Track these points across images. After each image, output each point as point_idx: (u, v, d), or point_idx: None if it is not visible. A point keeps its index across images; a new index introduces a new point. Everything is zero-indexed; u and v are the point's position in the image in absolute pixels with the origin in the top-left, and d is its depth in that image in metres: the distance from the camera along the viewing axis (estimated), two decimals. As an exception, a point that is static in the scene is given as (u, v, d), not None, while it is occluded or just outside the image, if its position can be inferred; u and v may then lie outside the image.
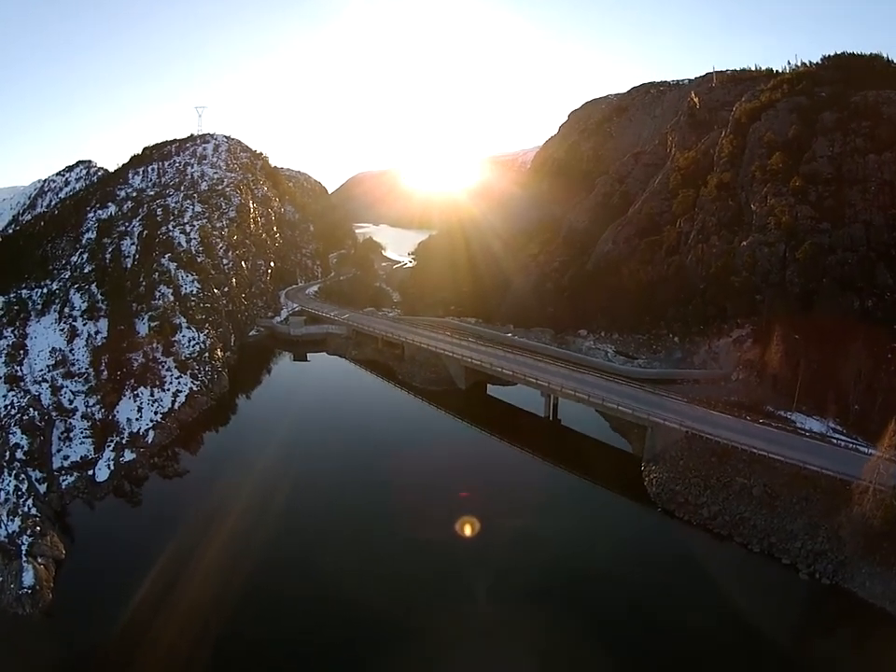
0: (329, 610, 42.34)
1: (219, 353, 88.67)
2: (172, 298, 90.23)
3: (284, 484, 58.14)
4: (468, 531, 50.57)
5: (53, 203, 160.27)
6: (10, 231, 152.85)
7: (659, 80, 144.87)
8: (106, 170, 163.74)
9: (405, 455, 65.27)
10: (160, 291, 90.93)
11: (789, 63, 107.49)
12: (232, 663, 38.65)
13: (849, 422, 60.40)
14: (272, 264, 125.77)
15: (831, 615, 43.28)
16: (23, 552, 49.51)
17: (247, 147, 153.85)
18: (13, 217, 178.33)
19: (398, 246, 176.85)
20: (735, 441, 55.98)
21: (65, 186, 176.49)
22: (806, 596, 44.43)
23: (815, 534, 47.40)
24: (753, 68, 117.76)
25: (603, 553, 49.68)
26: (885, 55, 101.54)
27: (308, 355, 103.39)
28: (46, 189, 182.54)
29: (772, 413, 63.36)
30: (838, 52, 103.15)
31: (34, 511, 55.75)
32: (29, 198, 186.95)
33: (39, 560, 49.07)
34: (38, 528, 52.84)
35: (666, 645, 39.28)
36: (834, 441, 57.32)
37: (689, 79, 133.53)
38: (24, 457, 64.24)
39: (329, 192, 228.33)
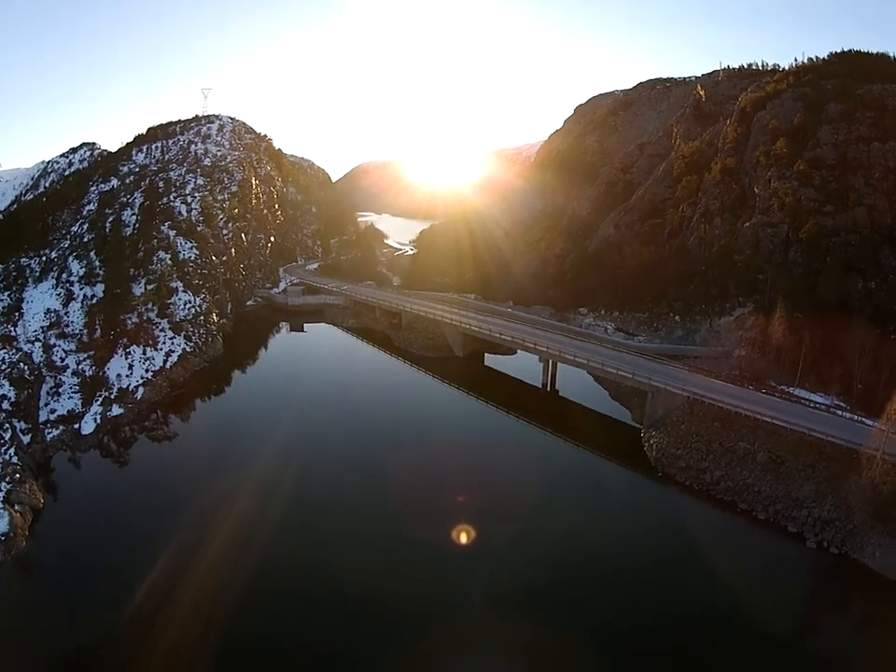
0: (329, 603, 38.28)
1: (215, 318, 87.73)
2: (170, 262, 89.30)
3: (273, 450, 55.70)
4: (466, 521, 46.18)
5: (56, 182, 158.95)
6: (13, 209, 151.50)
7: (665, 76, 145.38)
8: (111, 152, 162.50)
9: (400, 422, 64.31)
10: (157, 256, 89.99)
11: (795, 60, 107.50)
12: (212, 631, 35.52)
13: (853, 399, 59.31)
14: (272, 239, 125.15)
15: (839, 586, 41.76)
16: (0, 498, 48.19)
17: (252, 128, 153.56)
18: (16, 196, 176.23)
19: (400, 235, 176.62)
20: (739, 407, 54.71)
21: (69, 167, 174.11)
22: (814, 566, 43.18)
23: (822, 502, 46.14)
24: (760, 63, 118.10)
25: (602, 522, 48.05)
26: (892, 55, 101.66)
27: (305, 325, 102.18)
28: (49, 171, 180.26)
29: (775, 388, 62.27)
30: (845, 49, 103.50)
31: (14, 459, 54.71)
32: (32, 179, 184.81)
33: (16, 507, 47.98)
34: (17, 476, 51.83)
35: (670, 619, 37.47)
36: (839, 413, 56.13)
37: (695, 76, 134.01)
38: (10, 408, 63.28)
39: (334, 181, 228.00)
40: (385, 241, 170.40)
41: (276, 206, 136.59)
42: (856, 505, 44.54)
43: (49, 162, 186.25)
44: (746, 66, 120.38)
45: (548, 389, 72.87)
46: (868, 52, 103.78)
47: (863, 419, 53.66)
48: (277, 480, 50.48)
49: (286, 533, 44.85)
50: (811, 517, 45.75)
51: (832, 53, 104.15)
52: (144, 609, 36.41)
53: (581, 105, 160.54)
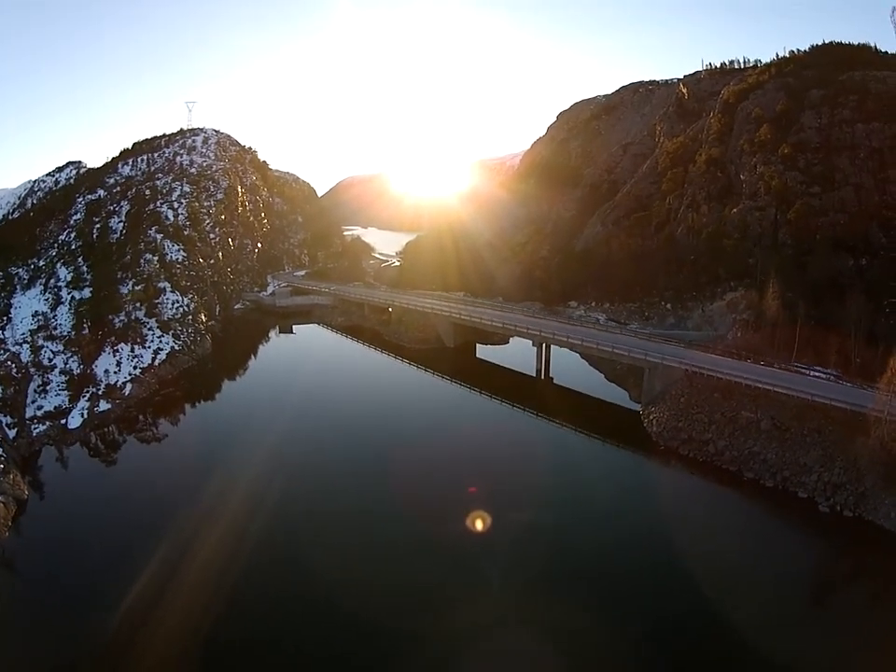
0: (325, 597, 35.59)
1: (203, 318, 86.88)
2: (157, 264, 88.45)
3: (264, 447, 53.44)
4: (467, 518, 43.38)
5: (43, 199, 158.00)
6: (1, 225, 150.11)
7: (648, 80, 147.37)
8: (96, 168, 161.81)
9: (391, 416, 62.66)
10: (145, 259, 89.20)
11: (777, 56, 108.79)
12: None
13: (851, 372, 58.75)
14: (258, 245, 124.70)
15: (857, 549, 40.62)
16: (-18, 488, 46.67)
17: (236, 141, 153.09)
18: (3, 216, 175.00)
19: (386, 247, 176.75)
20: (739, 377, 54.00)
21: (55, 186, 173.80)
22: (828, 529, 42.04)
23: (831, 465, 45.35)
24: (742, 60, 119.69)
25: (606, 499, 46.59)
26: (873, 45, 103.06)
27: (294, 327, 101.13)
28: (36, 190, 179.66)
29: (771, 364, 61.81)
30: (826, 42, 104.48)
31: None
32: (19, 198, 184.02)
33: (-1, 498, 46.21)
34: (1, 467, 50.42)
35: (687, 587, 35.83)
36: (840, 382, 55.53)
37: (678, 78, 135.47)
38: (-4, 403, 61.49)
39: (319, 196, 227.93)
40: (372, 253, 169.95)
41: (263, 215, 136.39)
42: (865, 467, 43.79)
43: (35, 182, 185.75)
44: (728, 63, 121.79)
45: (542, 377, 71.70)
46: (849, 43, 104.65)
47: (866, 388, 53.20)
48: (269, 478, 47.99)
49: (280, 532, 42.20)
50: (821, 481, 44.94)
51: (813, 46, 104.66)
52: (124, 610, 34.00)
53: (563, 111, 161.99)
